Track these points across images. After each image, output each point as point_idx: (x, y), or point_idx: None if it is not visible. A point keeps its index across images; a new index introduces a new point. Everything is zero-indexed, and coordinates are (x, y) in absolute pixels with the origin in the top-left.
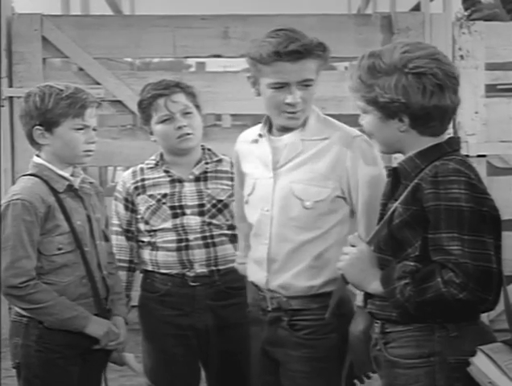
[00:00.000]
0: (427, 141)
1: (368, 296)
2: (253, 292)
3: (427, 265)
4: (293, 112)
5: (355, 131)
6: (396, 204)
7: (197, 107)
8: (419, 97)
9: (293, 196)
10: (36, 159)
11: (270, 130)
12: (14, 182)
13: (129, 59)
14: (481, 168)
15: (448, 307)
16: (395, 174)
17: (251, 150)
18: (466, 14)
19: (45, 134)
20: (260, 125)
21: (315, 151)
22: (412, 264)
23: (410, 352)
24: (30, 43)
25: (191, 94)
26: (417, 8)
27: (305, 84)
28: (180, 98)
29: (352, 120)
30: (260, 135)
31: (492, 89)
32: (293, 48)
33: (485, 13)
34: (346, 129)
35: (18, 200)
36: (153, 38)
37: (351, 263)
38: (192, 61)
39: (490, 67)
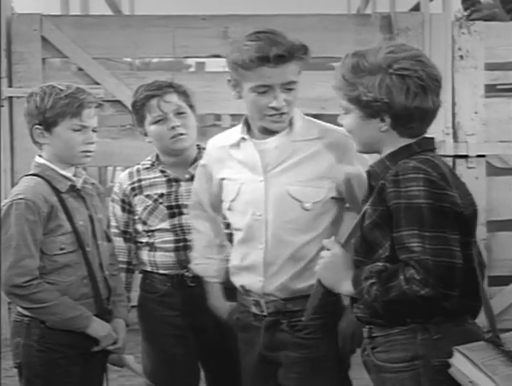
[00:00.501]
0: (404, 143)
1: (354, 300)
2: (240, 298)
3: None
4: (278, 115)
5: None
6: (366, 206)
7: (191, 107)
8: (402, 98)
9: (290, 198)
10: (38, 159)
11: (248, 132)
12: (13, 182)
13: (128, 59)
14: (480, 168)
15: (413, 305)
16: (369, 177)
17: (230, 155)
18: (466, 14)
19: (44, 134)
20: (237, 129)
21: (311, 152)
22: (381, 264)
23: (394, 356)
24: (30, 43)
25: (184, 94)
26: (416, 8)
27: (288, 86)
28: (173, 98)
29: None
30: (243, 138)
31: (491, 89)
32: (276, 53)
33: (485, 13)
34: (337, 129)
35: (21, 200)
36: (152, 38)
37: (325, 266)
38: (191, 61)
39: (490, 67)
